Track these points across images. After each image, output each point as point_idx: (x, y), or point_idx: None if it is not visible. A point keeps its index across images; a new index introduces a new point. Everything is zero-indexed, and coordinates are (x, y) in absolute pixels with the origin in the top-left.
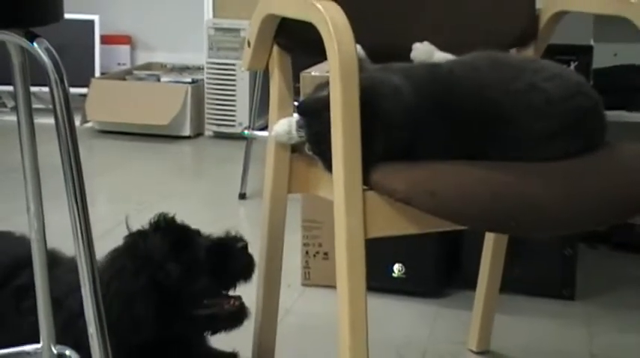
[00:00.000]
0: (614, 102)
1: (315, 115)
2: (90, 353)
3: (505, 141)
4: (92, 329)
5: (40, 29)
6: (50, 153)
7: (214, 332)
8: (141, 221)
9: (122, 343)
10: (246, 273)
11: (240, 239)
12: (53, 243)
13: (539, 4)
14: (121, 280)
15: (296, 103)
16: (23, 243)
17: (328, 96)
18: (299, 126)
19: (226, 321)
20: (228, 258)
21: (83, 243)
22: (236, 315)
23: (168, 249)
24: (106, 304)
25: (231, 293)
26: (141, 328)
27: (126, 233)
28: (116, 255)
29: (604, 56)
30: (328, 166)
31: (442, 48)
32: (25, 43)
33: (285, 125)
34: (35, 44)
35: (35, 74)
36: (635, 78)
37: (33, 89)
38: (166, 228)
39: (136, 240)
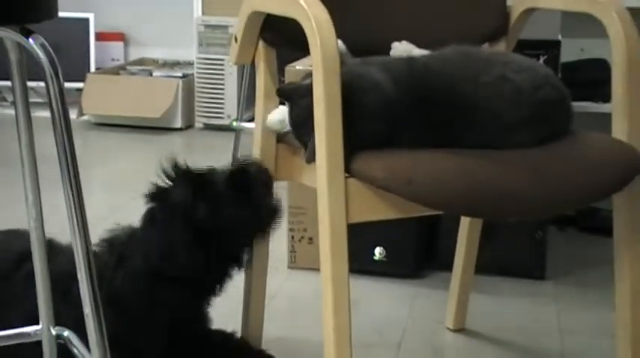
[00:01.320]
0: (581, 94)
1: (294, 100)
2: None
3: (477, 130)
4: (88, 309)
5: (39, 27)
6: (47, 144)
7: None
8: (135, 208)
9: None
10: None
11: (255, 164)
12: (50, 229)
13: (509, 2)
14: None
15: None
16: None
17: (306, 85)
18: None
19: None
20: (250, 186)
21: (79, 228)
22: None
23: (193, 194)
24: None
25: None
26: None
27: (119, 220)
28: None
29: (571, 51)
30: (305, 147)
31: (418, 42)
32: (21, 39)
33: (278, 114)
34: (31, 40)
35: (33, 70)
36: (601, 71)
37: (31, 84)
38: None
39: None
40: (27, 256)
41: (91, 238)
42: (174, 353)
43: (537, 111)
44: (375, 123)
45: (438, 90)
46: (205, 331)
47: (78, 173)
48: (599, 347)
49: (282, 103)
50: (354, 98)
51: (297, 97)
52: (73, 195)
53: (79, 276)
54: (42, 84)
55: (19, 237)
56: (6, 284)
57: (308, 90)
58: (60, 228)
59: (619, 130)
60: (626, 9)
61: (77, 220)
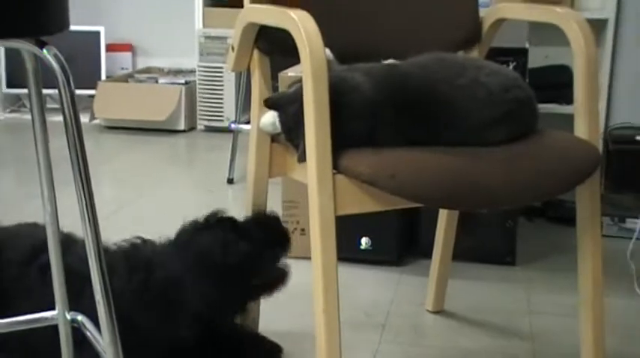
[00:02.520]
0: (547, 96)
1: (279, 108)
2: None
3: (454, 128)
4: (98, 296)
5: (55, 40)
6: (62, 146)
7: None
8: (142, 203)
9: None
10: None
11: (273, 216)
12: (64, 223)
13: (482, 13)
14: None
15: None
16: (44, 229)
17: (291, 93)
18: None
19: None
20: (269, 234)
21: (89, 222)
22: (282, 278)
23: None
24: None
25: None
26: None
27: (127, 215)
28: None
29: (537, 57)
30: (296, 149)
31: (399, 50)
32: (36, 49)
33: (270, 117)
34: (45, 51)
35: (49, 78)
36: (564, 76)
37: (48, 91)
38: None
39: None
40: (40, 248)
41: (101, 230)
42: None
43: (507, 111)
44: (358, 121)
45: (417, 92)
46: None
47: (88, 171)
48: (564, 325)
49: None
50: (339, 99)
51: (284, 105)
52: (83, 191)
53: (90, 266)
54: (57, 91)
55: (33, 230)
56: (21, 274)
57: (293, 98)
58: (72, 222)
59: (580, 129)
60: (586, 20)
61: (88, 214)
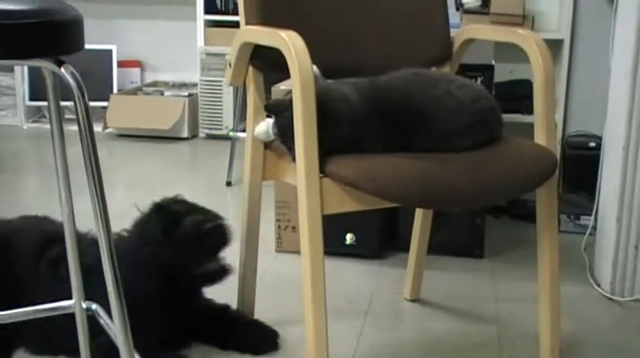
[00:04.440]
0: (511, 107)
1: (278, 113)
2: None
3: (428, 135)
4: (110, 287)
5: (72, 58)
6: (79, 153)
7: (208, 285)
8: (149, 203)
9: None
10: (221, 246)
11: (216, 218)
12: (79, 224)
13: (452, 34)
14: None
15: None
16: (49, 222)
17: (288, 99)
18: (274, 128)
19: (215, 276)
20: (209, 234)
21: (102, 222)
22: (221, 272)
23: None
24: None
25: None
26: (152, 281)
27: (137, 214)
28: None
29: (503, 73)
30: (290, 151)
31: (380, 67)
32: (55, 68)
33: (264, 126)
34: (62, 69)
35: (67, 92)
36: (526, 89)
37: (66, 103)
38: (161, 213)
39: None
40: (48, 241)
41: (113, 229)
42: (176, 324)
43: (475, 120)
44: (344, 127)
45: (396, 102)
46: (202, 305)
47: (100, 174)
48: (526, 310)
49: (268, 116)
50: (326, 108)
51: (281, 111)
52: (96, 193)
53: (102, 261)
54: None
55: (39, 223)
56: (33, 268)
57: (288, 105)
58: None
59: (540, 137)
60: (544, 40)
61: (100, 213)
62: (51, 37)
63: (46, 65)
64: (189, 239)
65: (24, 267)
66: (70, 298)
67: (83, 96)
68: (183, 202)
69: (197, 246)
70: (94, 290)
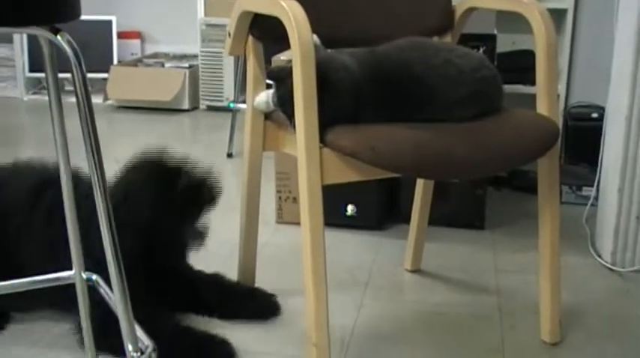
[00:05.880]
0: (513, 78)
1: (280, 81)
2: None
3: (428, 105)
4: (109, 257)
5: (72, 29)
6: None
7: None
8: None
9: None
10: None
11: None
12: None
13: (454, 2)
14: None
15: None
16: (42, 166)
17: (290, 67)
18: (274, 97)
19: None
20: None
21: (100, 190)
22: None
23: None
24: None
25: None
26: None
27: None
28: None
29: (505, 43)
30: (290, 120)
31: (380, 37)
32: (50, 36)
33: (264, 96)
34: (59, 37)
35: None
36: (528, 60)
37: (66, 75)
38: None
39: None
40: (42, 185)
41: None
42: (170, 294)
43: (476, 89)
44: (344, 97)
45: (395, 72)
46: (193, 274)
47: (98, 143)
48: (526, 281)
49: (268, 87)
50: (326, 77)
51: (283, 78)
52: (94, 162)
53: (101, 231)
54: None
55: (32, 166)
56: (28, 214)
57: (290, 72)
58: None
59: (542, 107)
60: (547, 10)
61: (98, 182)
62: (47, 5)
63: (42, 33)
64: (178, 207)
65: (17, 215)
66: (67, 253)
67: (80, 64)
68: (170, 158)
69: (186, 209)
70: (94, 244)
